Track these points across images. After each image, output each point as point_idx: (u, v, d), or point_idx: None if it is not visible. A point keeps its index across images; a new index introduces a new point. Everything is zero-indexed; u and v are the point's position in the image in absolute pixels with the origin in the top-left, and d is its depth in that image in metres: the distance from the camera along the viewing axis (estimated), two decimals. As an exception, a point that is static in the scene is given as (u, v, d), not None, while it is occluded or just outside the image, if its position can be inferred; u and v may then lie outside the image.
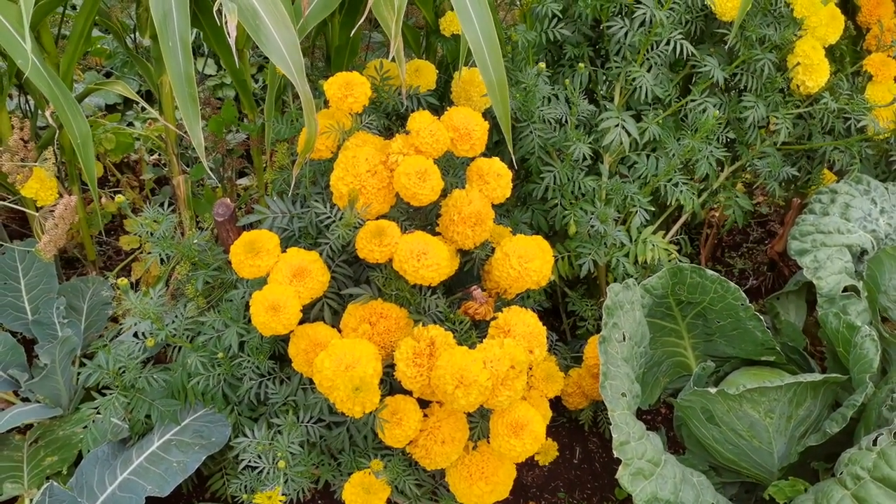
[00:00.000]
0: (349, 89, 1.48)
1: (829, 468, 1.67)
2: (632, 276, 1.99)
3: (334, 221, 1.43)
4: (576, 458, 2.17)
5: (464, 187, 1.59)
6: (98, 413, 1.70)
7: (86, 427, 1.81)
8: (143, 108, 2.87)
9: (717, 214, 2.76)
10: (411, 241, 1.36)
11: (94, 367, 1.60)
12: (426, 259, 1.34)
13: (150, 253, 1.54)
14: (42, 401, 1.99)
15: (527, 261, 1.48)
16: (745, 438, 1.66)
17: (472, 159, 1.58)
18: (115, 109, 3.17)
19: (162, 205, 2.61)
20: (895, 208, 1.92)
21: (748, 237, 3.10)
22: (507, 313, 1.43)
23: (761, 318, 1.83)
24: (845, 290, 1.77)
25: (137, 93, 3.20)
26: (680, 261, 2.03)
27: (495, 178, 1.53)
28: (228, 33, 1.31)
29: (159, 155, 2.71)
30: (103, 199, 2.50)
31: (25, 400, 2.03)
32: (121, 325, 2.28)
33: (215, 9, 1.34)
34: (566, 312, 2.31)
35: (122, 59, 3.25)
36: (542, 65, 1.79)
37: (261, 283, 1.45)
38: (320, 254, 1.45)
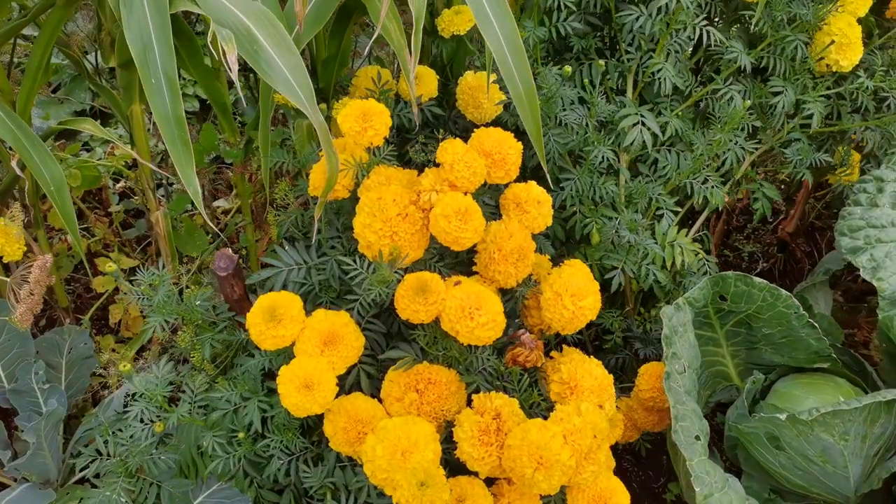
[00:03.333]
0: (368, 120, 1.28)
1: (909, 488, 1.55)
2: (661, 284, 1.85)
3: (366, 277, 1.23)
4: (612, 479, 2.04)
5: (488, 212, 1.42)
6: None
7: (83, 509, 1.61)
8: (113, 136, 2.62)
9: (726, 200, 2.62)
10: (461, 297, 1.17)
11: (92, 454, 1.40)
12: (480, 316, 1.16)
13: (149, 320, 1.33)
14: (29, 478, 1.78)
15: (580, 299, 1.31)
16: (816, 464, 1.53)
17: (505, 185, 1.40)
18: (68, 132, 2.90)
19: (138, 241, 2.40)
20: (943, 193, 1.80)
21: (750, 217, 2.98)
22: (569, 365, 1.26)
23: (816, 325, 1.69)
24: (906, 289, 1.64)
25: (91, 110, 2.94)
26: (707, 261, 1.90)
27: (536, 206, 1.35)
28: (229, 67, 1.11)
29: (125, 181, 2.47)
30: (69, 237, 2.27)
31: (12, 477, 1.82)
32: (103, 379, 2.07)
33: (209, 39, 1.13)
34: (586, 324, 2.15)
35: (71, 75, 2.98)
36: (568, 68, 1.62)
37: (282, 350, 1.26)
38: (349, 311, 1.26)
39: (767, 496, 1.66)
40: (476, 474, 1.18)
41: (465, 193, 1.27)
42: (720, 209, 2.62)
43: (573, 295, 1.30)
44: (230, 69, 1.12)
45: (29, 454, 1.68)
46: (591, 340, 2.19)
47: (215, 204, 2.55)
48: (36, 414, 1.82)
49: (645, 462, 2.12)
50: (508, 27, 1.40)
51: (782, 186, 3.01)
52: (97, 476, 1.49)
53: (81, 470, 1.62)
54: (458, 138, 1.31)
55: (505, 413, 1.15)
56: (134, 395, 1.40)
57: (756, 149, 1.92)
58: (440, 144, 1.30)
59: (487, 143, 1.33)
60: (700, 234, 2.09)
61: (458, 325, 1.16)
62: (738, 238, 2.89)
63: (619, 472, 2.04)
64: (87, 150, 2.67)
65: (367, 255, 1.25)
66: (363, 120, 1.28)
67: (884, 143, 1.97)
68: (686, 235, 1.90)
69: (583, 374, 1.24)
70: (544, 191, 1.40)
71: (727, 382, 1.90)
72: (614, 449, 2.03)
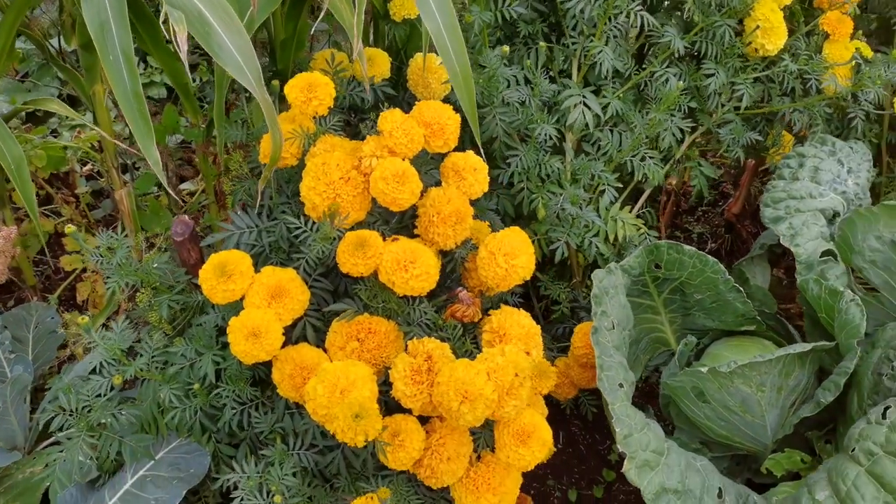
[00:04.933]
0: (312, 91, 1.38)
1: (822, 436, 1.67)
2: (604, 256, 1.95)
3: (310, 235, 1.33)
4: (559, 442, 2.15)
5: (434, 184, 1.52)
6: (62, 453, 1.58)
7: (47, 465, 1.68)
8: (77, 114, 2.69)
9: (673, 182, 2.74)
10: (397, 251, 1.28)
11: (55, 410, 1.48)
12: (414, 269, 1.26)
13: (110, 281, 1.42)
14: (-5, 445, 1.85)
15: (513, 258, 1.41)
16: (737, 414, 1.65)
17: (445, 154, 1.50)
18: (35, 117, 2.97)
19: (106, 223, 2.48)
20: (860, 167, 1.92)
21: (702, 201, 3.11)
22: (499, 315, 1.37)
23: (741, 289, 1.81)
24: (822, 254, 1.76)
25: (59, 96, 3.00)
26: (648, 234, 2.01)
27: (472, 173, 1.46)
28: (179, 48, 1.19)
29: (92, 164, 2.54)
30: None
31: (-22, 445, 1.89)
32: (69, 351, 2.15)
33: (161, 20, 1.22)
34: (537, 297, 2.26)
35: (39, 63, 3.04)
36: (506, 48, 1.72)
37: (233, 306, 1.35)
38: (296, 270, 1.35)
39: (696, 447, 1.78)
40: (410, 412, 1.28)
41: (404, 159, 1.37)
42: (669, 190, 2.75)
43: (506, 254, 1.41)
44: (180, 48, 1.20)
45: (-5, 419, 1.75)
46: (543, 312, 2.30)
47: (182, 187, 2.63)
48: (1, 382, 1.89)
49: (592, 427, 2.23)
50: (447, 10, 1.50)
51: (732, 171, 3.15)
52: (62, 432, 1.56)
53: (45, 426, 1.70)
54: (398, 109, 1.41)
55: (436, 355, 1.25)
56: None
57: (692, 128, 2.03)
58: (381, 114, 1.40)
59: (427, 113, 1.43)
60: (644, 210, 2.20)
61: (393, 276, 1.26)
62: (689, 220, 3.02)
63: (568, 436, 2.17)
64: (56, 136, 2.73)
65: (313, 216, 1.35)
66: (308, 91, 1.38)
67: (813, 123, 2.09)
68: (630, 212, 2.01)
69: (511, 324, 1.35)
70: (481, 160, 1.51)
71: (666, 348, 2.01)
72: (564, 414, 2.15)
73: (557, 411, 2.17)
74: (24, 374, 1.75)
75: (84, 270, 2.39)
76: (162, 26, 1.23)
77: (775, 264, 2.47)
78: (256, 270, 1.36)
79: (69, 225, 1.32)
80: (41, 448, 1.91)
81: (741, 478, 1.82)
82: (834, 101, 2.09)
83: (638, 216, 2.07)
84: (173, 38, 1.20)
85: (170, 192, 1.31)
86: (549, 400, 2.09)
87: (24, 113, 2.97)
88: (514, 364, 1.23)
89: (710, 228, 2.96)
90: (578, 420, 2.22)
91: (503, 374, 1.22)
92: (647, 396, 2.25)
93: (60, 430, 1.53)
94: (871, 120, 2.16)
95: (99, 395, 1.45)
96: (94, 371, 1.41)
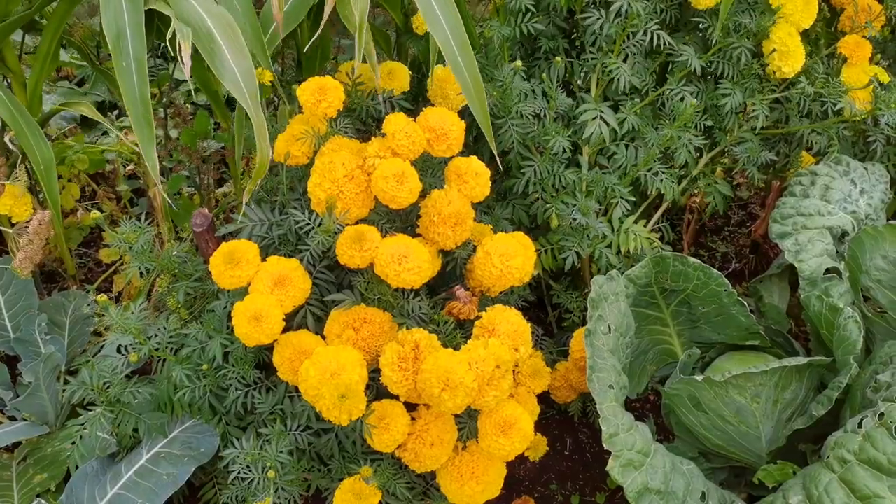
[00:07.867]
0: (322, 94, 1.47)
1: (816, 450, 1.68)
2: (615, 267, 1.99)
3: (313, 228, 1.42)
4: (566, 449, 2.18)
5: (443, 187, 1.59)
6: (85, 429, 1.69)
7: (73, 443, 1.80)
8: (118, 117, 2.85)
9: (697, 200, 2.76)
10: (392, 245, 1.36)
11: (78, 384, 1.59)
12: (407, 262, 1.34)
13: (130, 266, 1.52)
14: (28, 418, 1.97)
15: (508, 259, 1.47)
16: (732, 424, 1.67)
17: (450, 159, 1.57)
18: (89, 120, 3.14)
19: (140, 216, 2.61)
20: (875, 188, 1.93)
21: (729, 221, 3.12)
22: (490, 312, 1.43)
23: (745, 303, 1.83)
24: (827, 271, 1.77)
25: (112, 102, 3.17)
26: (662, 249, 2.04)
27: (474, 177, 1.53)
28: (182, 62, 1.29)
29: (135, 165, 2.69)
30: (80, 213, 2.48)
31: (12, 419, 2.01)
32: (103, 339, 2.27)
33: (168, 37, 1.32)
34: (551, 305, 2.31)
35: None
36: (518, 62, 1.79)
37: (242, 293, 1.44)
38: (301, 261, 1.44)
39: (694, 457, 1.80)
40: (398, 398, 1.35)
41: (406, 161, 1.45)
42: (693, 208, 2.77)
43: (502, 255, 1.47)
44: (183, 63, 1.30)
45: (27, 393, 1.87)
46: (557, 321, 2.35)
47: (219, 190, 2.76)
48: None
49: (600, 435, 2.26)
50: (454, 24, 1.57)
51: (760, 192, 3.15)
52: (84, 406, 1.67)
53: (74, 406, 1.81)
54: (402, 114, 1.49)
55: (423, 345, 1.32)
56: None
57: (705, 144, 2.07)
58: (386, 117, 1.48)
59: (432, 119, 1.51)
60: (660, 225, 2.24)
61: (387, 269, 1.34)
62: (714, 240, 3.03)
63: (575, 443, 2.20)
64: (105, 135, 2.89)
65: (318, 211, 1.44)
66: (319, 93, 1.47)
67: (831, 145, 2.11)
68: (645, 226, 2.05)
69: (500, 321, 1.41)
70: (483, 165, 1.57)
71: (673, 360, 2.03)
72: (572, 421, 2.19)
73: (566, 419, 2.21)
74: (55, 353, 1.87)
75: (122, 263, 2.52)
76: (168, 45, 1.32)
77: (797, 287, 2.48)
78: (264, 260, 1.45)
79: (94, 211, 1.43)
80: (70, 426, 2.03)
81: (740, 491, 1.83)
82: (854, 125, 2.10)
83: (654, 231, 2.11)
84: (178, 54, 1.29)
85: (160, 189, 1.41)
86: (558, 407, 2.14)
87: (79, 116, 3.16)
88: (496, 357, 1.29)
89: (735, 248, 2.96)
90: (587, 428, 2.25)
91: (485, 365, 1.28)
92: (657, 410, 2.27)
93: (82, 404, 1.64)
94: (892, 144, 2.17)
95: (117, 372, 1.55)
96: (111, 345, 1.51)
